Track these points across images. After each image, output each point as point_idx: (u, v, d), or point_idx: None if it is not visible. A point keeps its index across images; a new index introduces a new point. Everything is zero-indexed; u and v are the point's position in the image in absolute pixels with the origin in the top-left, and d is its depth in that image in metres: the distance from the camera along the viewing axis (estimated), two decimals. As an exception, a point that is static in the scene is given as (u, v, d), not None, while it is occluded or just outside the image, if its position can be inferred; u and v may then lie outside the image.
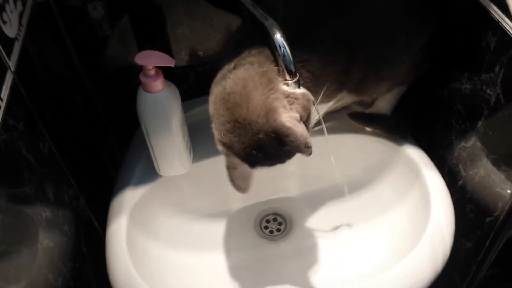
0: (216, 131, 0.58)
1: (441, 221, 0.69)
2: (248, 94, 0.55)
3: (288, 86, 0.57)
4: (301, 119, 0.55)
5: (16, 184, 0.52)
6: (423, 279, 0.65)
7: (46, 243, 0.58)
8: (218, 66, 0.61)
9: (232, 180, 0.60)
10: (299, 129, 0.52)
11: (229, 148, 0.57)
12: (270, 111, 0.54)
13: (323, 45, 0.63)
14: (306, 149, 0.53)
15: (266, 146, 0.55)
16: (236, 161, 0.58)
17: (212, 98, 0.60)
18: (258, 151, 0.56)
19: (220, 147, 0.59)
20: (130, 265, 0.66)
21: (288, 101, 0.55)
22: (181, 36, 0.78)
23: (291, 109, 0.55)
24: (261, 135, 0.54)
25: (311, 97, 0.58)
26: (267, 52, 0.58)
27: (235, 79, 0.57)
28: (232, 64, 0.59)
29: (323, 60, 0.62)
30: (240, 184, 0.60)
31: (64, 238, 0.64)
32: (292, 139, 0.52)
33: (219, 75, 0.61)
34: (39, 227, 0.57)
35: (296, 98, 0.56)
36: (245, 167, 0.59)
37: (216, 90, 0.59)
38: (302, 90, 0.58)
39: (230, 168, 0.60)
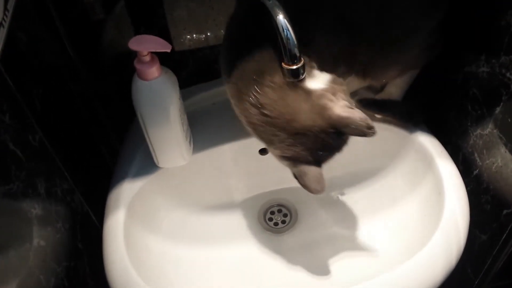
0: (277, 150, 0.59)
1: (456, 213, 0.65)
2: (294, 110, 0.56)
3: (317, 81, 0.57)
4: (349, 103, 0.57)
5: (2, 181, 0.49)
6: (436, 276, 0.61)
7: (37, 242, 0.55)
8: (218, 51, 0.59)
9: (307, 186, 0.58)
10: (357, 114, 0.54)
11: (296, 159, 0.58)
12: (322, 110, 0.55)
13: (324, 25, 0.60)
14: (369, 130, 0.54)
15: (330, 142, 0.57)
16: (304, 167, 0.58)
17: (248, 122, 0.60)
18: (323, 150, 0.58)
19: (285, 162, 0.60)
20: (127, 262, 0.63)
21: (332, 93, 0.56)
22: (179, 19, 0.74)
23: (337, 99, 0.56)
24: (323, 135, 0.56)
25: (340, 79, 0.59)
26: (271, 53, 0.57)
27: (271, 103, 0.56)
28: (252, 86, 0.57)
29: (326, 40, 0.60)
30: (316, 187, 0.58)
31: (58, 236, 0.61)
32: (354, 126, 0.54)
33: (235, 92, 0.60)
34: (29, 225, 0.54)
35: (334, 88, 0.57)
36: (313, 169, 0.58)
37: (250, 115, 0.59)
38: (328, 76, 0.58)
39: (301, 176, 0.59)
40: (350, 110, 0.54)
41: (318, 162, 0.59)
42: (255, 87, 0.57)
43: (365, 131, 0.54)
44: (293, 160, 0.58)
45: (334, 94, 0.56)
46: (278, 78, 0.57)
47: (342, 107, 0.54)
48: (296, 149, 0.57)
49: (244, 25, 0.61)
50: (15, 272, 0.50)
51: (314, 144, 0.56)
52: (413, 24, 0.64)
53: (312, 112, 0.55)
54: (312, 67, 0.59)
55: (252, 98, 0.57)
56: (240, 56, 0.59)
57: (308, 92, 0.56)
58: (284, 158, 0.59)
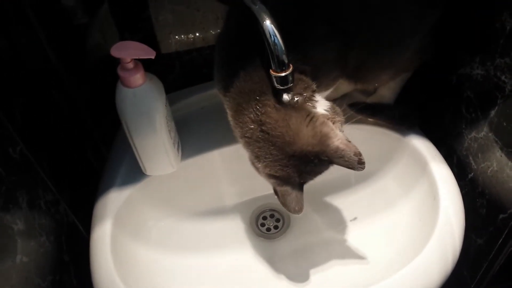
0: (268, 168, 0.58)
1: (451, 218, 0.64)
2: (295, 132, 0.55)
3: (319, 106, 0.57)
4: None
5: (-21, 199, 0.47)
6: (432, 283, 0.60)
7: (20, 259, 0.53)
8: (207, 56, 0.57)
9: (287, 205, 0.59)
10: (352, 149, 0.54)
11: (285, 180, 0.58)
12: (322, 138, 0.55)
13: (315, 34, 0.59)
14: (359, 165, 0.54)
15: (318, 168, 0.58)
16: (289, 188, 0.58)
17: (243, 135, 0.59)
18: (310, 174, 0.58)
19: (272, 180, 0.59)
20: (114, 274, 0.61)
21: (332, 122, 0.57)
22: (164, 22, 0.72)
23: (336, 129, 0.56)
24: (316, 161, 0.56)
25: (339, 109, 0.60)
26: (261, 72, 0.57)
27: (273, 122, 0.56)
28: (254, 104, 0.57)
29: (318, 51, 0.59)
30: (295, 207, 0.59)
31: (42, 250, 0.59)
32: (347, 159, 0.54)
33: (245, 113, 0.58)
34: (11, 242, 0.52)
35: (334, 117, 0.57)
36: (297, 190, 0.59)
37: (255, 132, 0.57)
38: (328, 104, 0.59)
39: (283, 195, 0.59)
40: (347, 143, 0.54)
41: (303, 184, 0.59)
42: (257, 106, 0.56)
43: (356, 166, 0.54)
44: (282, 180, 0.58)
45: (333, 123, 0.57)
46: (280, 99, 0.56)
47: (340, 139, 0.55)
48: (288, 170, 0.56)
49: (237, 41, 0.60)
50: (-4, 292, 0.48)
51: (305, 168, 0.56)
52: (406, 28, 0.63)
53: (313, 138, 0.55)
54: (313, 91, 0.58)
55: (252, 114, 0.57)
56: (236, 73, 0.58)
57: (311, 117, 0.56)
58: (272, 176, 0.58)
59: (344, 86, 0.72)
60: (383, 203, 0.75)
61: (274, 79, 0.54)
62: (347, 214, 0.77)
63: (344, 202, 0.78)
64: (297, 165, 0.56)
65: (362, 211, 0.76)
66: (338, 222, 0.77)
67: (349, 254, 0.73)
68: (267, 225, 0.80)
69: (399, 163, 0.74)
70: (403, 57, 0.66)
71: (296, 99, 0.56)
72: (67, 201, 0.68)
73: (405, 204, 0.73)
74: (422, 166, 0.70)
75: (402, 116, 0.72)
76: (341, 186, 0.79)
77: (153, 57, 0.57)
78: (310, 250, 0.75)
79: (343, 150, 0.54)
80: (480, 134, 0.65)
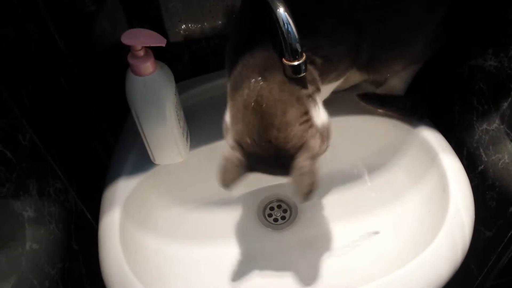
0: (240, 135, 0.56)
1: (461, 211, 0.64)
2: (287, 122, 0.53)
3: (317, 107, 0.56)
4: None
5: (-9, 185, 0.47)
6: (441, 275, 0.60)
7: (30, 245, 0.53)
8: (216, 45, 0.56)
9: (223, 174, 0.57)
10: (313, 179, 0.53)
11: (245, 154, 0.56)
12: (304, 147, 0.53)
13: (328, 25, 0.58)
14: (304, 197, 0.53)
15: (280, 169, 0.56)
16: (240, 162, 0.56)
17: (233, 97, 0.57)
18: (269, 167, 0.57)
19: (234, 147, 0.57)
20: (123, 262, 0.61)
21: (321, 140, 0.55)
22: (174, 10, 0.71)
23: (321, 149, 0.55)
24: (283, 160, 0.54)
25: (330, 133, 0.58)
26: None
27: (271, 100, 0.54)
28: (258, 77, 0.54)
29: (332, 41, 0.58)
30: (226, 181, 0.57)
31: (51, 237, 0.59)
32: (300, 182, 0.53)
33: (245, 81, 0.55)
34: (21, 229, 0.52)
35: (325, 136, 0.56)
36: (242, 170, 0.57)
37: (249, 99, 0.55)
38: (326, 118, 0.58)
39: (228, 164, 0.57)
40: (315, 171, 0.53)
41: (253, 168, 0.57)
42: (261, 79, 0.54)
43: (301, 193, 0.52)
44: (243, 153, 0.56)
45: (322, 140, 0.55)
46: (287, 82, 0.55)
47: (314, 162, 0.53)
48: (255, 149, 0.55)
49: (250, 27, 0.59)
50: (7, 278, 0.48)
51: (269, 159, 0.55)
52: (418, 19, 0.62)
53: (298, 139, 0.53)
54: (317, 88, 0.57)
55: (253, 85, 0.54)
56: (245, 54, 0.56)
57: (308, 119, 0.54)
58: (239, 144, 0.56)
59: (354, 77, 0.71)
60: (392, 195, 0.75)
61: (286, 68, 0.53)
62: (355, 206, 0.77)
63: (352, 194, 0.78)
64: (268, 150, 0.54)
65: (370, 203, 0.76)
66: (346, 214, 0.77)
67: (358, 245, 0.73)
68: (274, 215, 0.80)
69: (408, 155, 0.74)
70: (414, 48, 0.65)
71: (302, 90, 0.55)
72: (75, 190, 0.68)
73: (415, 196, 0.72)
74: (432, 158, 0.69)
75: (412, 107, 0.72)
76: (350, 177, 0.79)
77: (164, 44, 0.57)
78: (318, 241, 0.75)
79: (305, 173, 0.53)
80: (492, 126, 0.64)
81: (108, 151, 0.78)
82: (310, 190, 0.52)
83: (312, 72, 0.57)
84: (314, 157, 0.54)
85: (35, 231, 0.55)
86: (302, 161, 0.53)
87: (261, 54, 0.55)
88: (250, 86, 0.54)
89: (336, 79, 0.66)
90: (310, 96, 0.55)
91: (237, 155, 0.56)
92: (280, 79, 0.54)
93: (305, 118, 0.54)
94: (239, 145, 0.56)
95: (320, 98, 0.58)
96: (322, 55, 0.57)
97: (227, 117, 0.58)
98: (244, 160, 0.56)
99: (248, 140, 0.55)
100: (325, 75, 0.61)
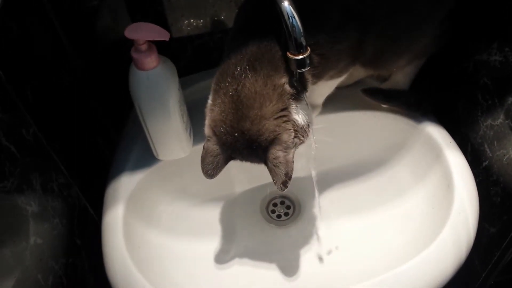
0: (215, 123, 0.56)
1: (465, 207, 0.64)
2: (262, 116, 0.54)
3: (299, 106, 0.56)
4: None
5: (-5, 179, 0.47)
6: (446, 272, 0.60)
7: (34, 240, 0.53)
8: (218, 40, 0.55)
9: (204, 164, 0.58)
10: (288, 169, 0.54)
11: (221, 143, 0.57)
12: (276, 140, 0.54)
13: (331, 21, 0.58)
14: (282, 185, 0.54)
15: (253, 158, 0.57)
16: (218, 151, 0.57)
17: (218, 83, 0.57)
18: (244, 156, 0.58)
19: (209, 135, 0.57)
20: (127, 257, 0.62)
21: (295, 135, 0.55)
22: (176, 4, 0.71)
23: (293, 142, 0.55)
24: (257, 151, 0.55)
25: (310, 130, 0.58)
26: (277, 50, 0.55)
27: (251, 91, 0.54)
28: (246, 65, 0.55)
29: (332, 39, 0.58)
30: (209, 170, 0.58)
31: (55, 232, 0.59)
32: (277, 171, 0.54)
33: (231, 68, 0.56)
34: (25, 223, 0.52)
35: (298, 134, 0.56)
36: (222, 159, 0.58)
37: (230, 87, 0.55)
38: (307, 117, 0.57)
39: (208, 154, 0.58)
40: (289, 161, 0.54)
41: (229, 158, 0.58)
42: (247, 69, 0.55)
43: (278, 183, 0.54)
44: (218, 141, 0.57)
45: (294, 137, 0.55)
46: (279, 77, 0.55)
47: (287, 153, 0.54)
48: (230, 138, 0.55)
49: (252, 18, 0.59)
50: (11, 272, 0.48)
51: (243, 148, 0.56)
52: (424, 14, 0.62)
53: (270, 133, 0.54)
54: (304, 88, 0.57)
55: (238, 73, 0.55)
56: (242, 42, 0.57)
57: (284, 115, 0.55)
58: (213, 132, 0.57)
59: (358, 73, 0.71)
60: (396, 190, 0.75)
61: (291, 62, 0.53)
62: (359, 202, 0.77)
63: (356, 189, 0.78)
64: (240, 141, 0.55)
65: (374, 199, 0.76)
66: (350, 210, 0.76)
67: (361, 242, 0.72)
68: (278, 211, 0.80)
69: (412, 150, 0.74)
70: (421, 43, 0.65)
71: (287, 86, 0.55)
72: (79, 185, 0.68)
73: (419, 192, 0.72)
74: (436, 153, 0.69)
75: (416, 103, 0.71)
76: (354, 173, 0.78)
77: (167, 39, 0.56)
78: (320, 238, 0.75)
79: (280, 163, 0.54)
80: (497, 122, 0.64)
81: (111, 146, 0.78)
82: (286, 179, 0.53)
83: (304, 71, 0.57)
84: (286, 149, 0.54)
85: (39, 225, 0.55)
86: (275, 152, 0.54)
87: (256, 44, 0.55)
88: (235, 74, 0.55)
89: (338, 75, 0.66)
90: (294, 95, 0.55)
91: (211, 144, 0.57)
92: (268, 72, 0.54)
93: (281, 114, 0.54)
94: (214, 133, 0.56)
95: (307, 97, 0.58)
96: (320, 53, 0.57)
97: (209, 102, 0.59)
98: (218, 149, 0.57)
99: (221, 129, 0.55)
100: (323, 73, 0.61)
